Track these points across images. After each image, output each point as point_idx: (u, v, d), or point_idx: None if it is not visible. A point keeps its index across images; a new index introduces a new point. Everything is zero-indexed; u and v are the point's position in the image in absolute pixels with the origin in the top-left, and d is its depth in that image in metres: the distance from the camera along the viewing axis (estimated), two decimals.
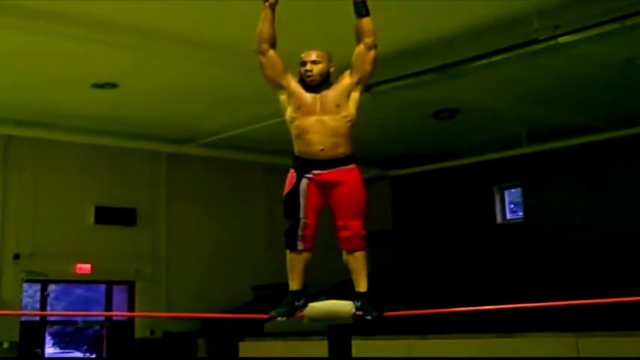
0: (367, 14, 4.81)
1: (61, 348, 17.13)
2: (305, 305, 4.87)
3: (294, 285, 4.88)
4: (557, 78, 10.75)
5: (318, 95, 4.85)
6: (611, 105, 11.98)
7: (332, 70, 4.93)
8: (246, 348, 13.56)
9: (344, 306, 4.82)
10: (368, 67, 4.92)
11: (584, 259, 12.74)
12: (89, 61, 9.88)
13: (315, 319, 4.91)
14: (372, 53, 4.88)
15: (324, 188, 4.82)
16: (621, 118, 12.33)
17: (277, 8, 4.87)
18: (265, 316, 4.97)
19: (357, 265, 4.83)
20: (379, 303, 4.81)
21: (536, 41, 8.70)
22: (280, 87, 4.95)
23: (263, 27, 4.86)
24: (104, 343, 14.45)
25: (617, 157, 14.01)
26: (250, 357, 13.37)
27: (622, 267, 11.71)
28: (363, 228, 4.81)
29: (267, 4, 4.82)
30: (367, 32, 4.83)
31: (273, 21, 4.87)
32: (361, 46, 4.88)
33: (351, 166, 4.86)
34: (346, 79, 4.91)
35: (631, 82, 10.83)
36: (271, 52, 4.91)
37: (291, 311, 4.85)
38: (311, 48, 4.99)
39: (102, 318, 14.78)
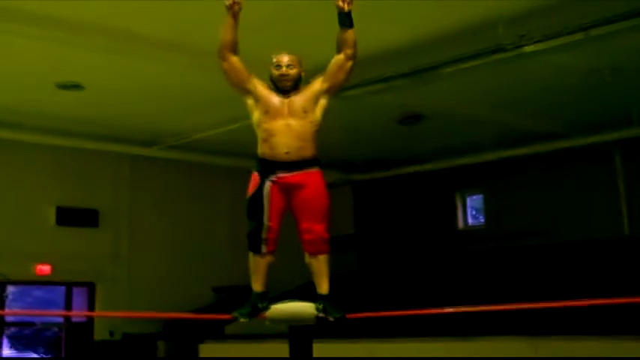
0: (351, 26, 4.87)
1: (17, 350, 16.94)
2: (268, 307, 4.91)
3: (257, 287, 4.91)
4: (522, 86, 10.86)
5: (286, 99, 4.89)
6: (575, 112, 12.12)
7: (302, 74, 4.98)
8: (206, 350, 13.52)
9: (306, 308, 4.86)
10: (342, 77, 4.98)
11: (543, 265, 12.89)
12: (54, 62, 9.79)
13: (278, 321, 4.94)
14: (349, 64, 4.95)
15: (288, 191, 4.85)
16: (584, 125, 12.49)
17: (249, 13, 4.89)
18: (227, 317, 4.99)
19: (320, 267, 4.88)
20: (341, 305, 4.86)
21: (502, 49, 8.79)
22: (246, 92, 4.97)
23: (226, 34, 4.88)
24: (62, 345, 14.32)
25: (579, 164, 14.19)
26: (210, 359, 13.33)
27: (582, 272, 11.86)
28: (327, 231, 4.86)
29: (230, 12, 4.83)
30: (349, 43, 4.90)
31: (236, 28, 4.89)
32: (341, 56, 4.95)
33: (315, 169, 4.90)
34: (317, 85, 4.96)
35: (594, 91, 10.98)
36: (234, 59, 4.93)
37: (254, 312, 4.88)
38: (280, 50, 5.03)
39: (60, 319, 14.63)
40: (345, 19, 4.86)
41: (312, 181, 4.87)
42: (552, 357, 9.44)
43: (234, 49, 4.92)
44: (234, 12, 4.83)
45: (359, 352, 11.24)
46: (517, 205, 15.16)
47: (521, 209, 15.04)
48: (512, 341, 9.92)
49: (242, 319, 4.86)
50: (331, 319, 4.78)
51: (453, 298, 11.29)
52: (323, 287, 4.88)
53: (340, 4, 4.82)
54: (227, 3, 4.81)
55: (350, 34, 4.88)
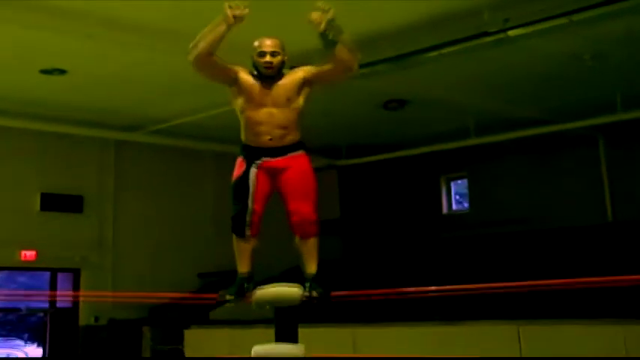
0: (333, 45, 4.63)
1: (2, 336, 16.89)
2: (254, 289, 4.92)
3: (243, 268, 4.93)
4: (505, 71, 10.89)
5: (269, 87, 4.83)
6: (558, 98, 12.17)
7: (285, 59, 4.92)
8: (191, 335, 13.54)
9: (292, 287, 4.89)
10: (332, 80, 4.96)
11: (527, 251, 12.93)
12: (38, 47, 9.75)
13: (263, 302, 4.96)
14: (344, 75, 4.89)
15: (273, 174, 4.87)
16: (568, 111, 12.54)
17: None
18: (214, 297, 5.01)
19: (308, 249, 4.91)
20: (327, 287, 4.88)
21: (486, 34, 8.81)
22: (231, 82, 4.92)
23: (211, 44, 4.71)
24: (47, 331, 14.30)
25: (563, 150, 14.25)
26: (196, 344, 13.34)
27: (565, 258, 11.92)
28: (314, 212, 4.87)
29: (227, 23, 4.64)
30: (342, 61, 4.75)
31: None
32: (339, 67, 4.81)
33: (300, 152, 4.92)
34: (303, 74, 4.90)
35: (577, 76, 11.04)
36: (210, 61, 4.80)
37: (241, 292, 4.89)
38: (262, 36, 4.95)
39: (46, 305, 14.61)
40: (328, 41, 4.61)
41: (298, 163, 4.89)
42: (534, 341, 9.50)
43: (213, 57, 4.79)
44: (232, 24, 4.65)
45: (344, 337, 11.28)
46: (501, 190, 15.23)
47: (505, 195, 15.11)
48: (495, 325, 9.98)
49: (228, 297, 4.88)
50: (315, 294, 4.78)
51: (437, 283, 11.30)
52: (311, 267, 4.90)
53: (314, 24, 4.56)
54: (230, 13, 4.61)
55: (337, 53, 4.69)
